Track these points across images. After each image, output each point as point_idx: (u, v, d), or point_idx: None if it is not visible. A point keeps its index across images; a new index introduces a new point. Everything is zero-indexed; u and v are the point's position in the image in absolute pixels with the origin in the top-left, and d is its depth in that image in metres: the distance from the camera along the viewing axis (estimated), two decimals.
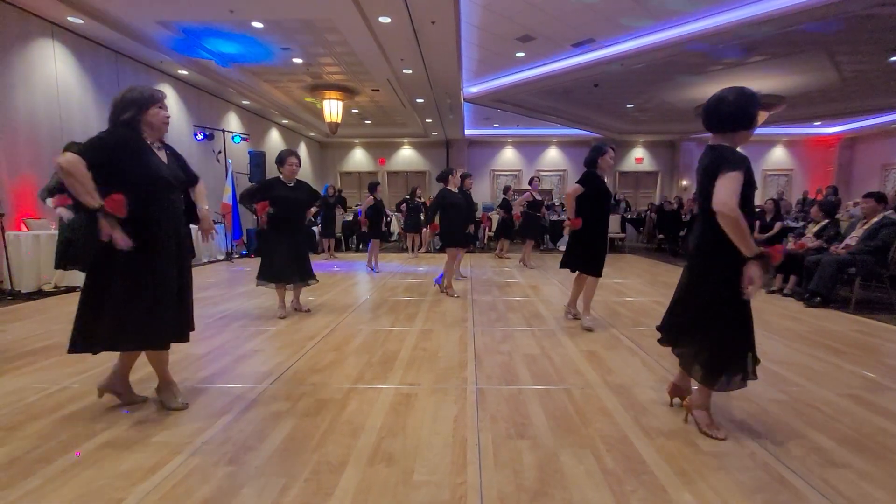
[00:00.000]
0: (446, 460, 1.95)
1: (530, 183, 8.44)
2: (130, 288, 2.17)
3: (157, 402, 2.45)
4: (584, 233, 3.97)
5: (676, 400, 2.45)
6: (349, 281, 6.74)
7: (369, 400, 2.55)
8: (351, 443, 2.08)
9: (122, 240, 2.07)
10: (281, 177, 4.27)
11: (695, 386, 2.26)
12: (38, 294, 5.45)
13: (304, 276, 4.41)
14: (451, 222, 5.49)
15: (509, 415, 2.38)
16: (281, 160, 4.23)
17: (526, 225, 8.29)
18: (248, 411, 2.41)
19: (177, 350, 3.03)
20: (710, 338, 2.12)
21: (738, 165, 1.94)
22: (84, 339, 2.19)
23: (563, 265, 4.17)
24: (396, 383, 2.80)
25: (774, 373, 2.99)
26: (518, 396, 2.61)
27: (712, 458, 1.98)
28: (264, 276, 4.29)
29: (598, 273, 4.00)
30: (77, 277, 5.47)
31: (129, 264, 2.16)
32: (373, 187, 7.66)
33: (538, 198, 8.27)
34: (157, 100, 2.23)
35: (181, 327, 2.36)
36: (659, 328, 2.40)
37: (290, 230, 4.28)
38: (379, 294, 5.69)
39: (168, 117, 2.30)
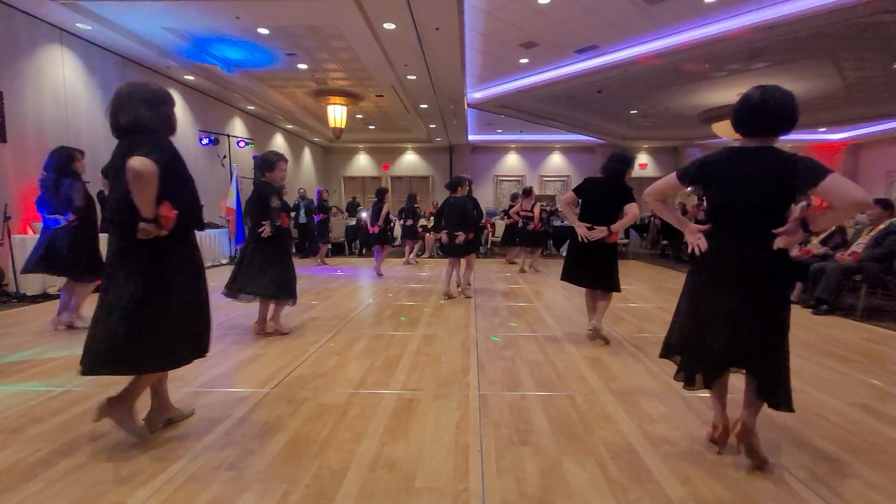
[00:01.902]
0: (448, 466, 1.93)
1: (528, 194, 8.51)
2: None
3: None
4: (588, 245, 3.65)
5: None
6: (352, 286, 6.74)
7: (371, 405, 2.54)
8: (353, 448, 2.07)
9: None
10: (272, 184, 3.85)
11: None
12: (43, 297, 5.47)
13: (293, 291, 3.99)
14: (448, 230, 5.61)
15: (512, 421, 2.36)
16: (271, 165, 3.78)
17: (533, 233, 8.31)
18: (249, 416, 2.40)
19: None
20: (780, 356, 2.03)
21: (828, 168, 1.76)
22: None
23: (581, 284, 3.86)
24: (398, 388, 2.79)
25: None
26: (521, 402, 2.59)
27: (718, 466, 1.95)
28: (291, 292, 3.89)
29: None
30: None
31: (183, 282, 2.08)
32: (381, 193, 7.68)
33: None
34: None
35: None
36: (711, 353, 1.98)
37: (288, 241, 4.12)
38: (382, 299, 5.68)
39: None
